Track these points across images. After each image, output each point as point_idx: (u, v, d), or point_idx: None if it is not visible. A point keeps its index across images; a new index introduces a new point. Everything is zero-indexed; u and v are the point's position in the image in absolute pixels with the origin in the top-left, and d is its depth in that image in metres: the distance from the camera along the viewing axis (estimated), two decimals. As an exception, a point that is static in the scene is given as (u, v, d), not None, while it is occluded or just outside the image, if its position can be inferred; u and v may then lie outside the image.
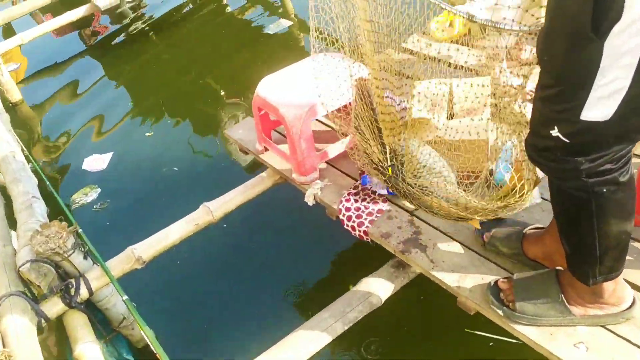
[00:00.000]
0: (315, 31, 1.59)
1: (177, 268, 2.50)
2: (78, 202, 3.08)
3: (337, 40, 1.63)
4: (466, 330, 1.94)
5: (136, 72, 4.38)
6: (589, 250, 1.23)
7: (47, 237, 1.84)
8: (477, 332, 1.91)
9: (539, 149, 1.15)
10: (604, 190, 1.12)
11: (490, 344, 1.90)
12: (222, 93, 3.80)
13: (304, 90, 2.03)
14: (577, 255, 1.30)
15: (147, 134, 3.58)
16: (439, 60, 1.91)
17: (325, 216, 2.08)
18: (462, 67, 2.23)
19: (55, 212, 2.65)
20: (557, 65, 1.02)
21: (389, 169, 1.59)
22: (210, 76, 4.02)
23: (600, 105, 0.99)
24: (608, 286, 1.33)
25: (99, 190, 3.14)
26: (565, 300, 1.40)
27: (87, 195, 3.13)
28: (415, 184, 1.54)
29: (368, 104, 1.62)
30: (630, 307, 1.39)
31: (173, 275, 2.48)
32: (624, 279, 1.39)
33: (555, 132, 1.06)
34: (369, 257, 2.06)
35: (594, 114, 1.00)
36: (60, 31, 4.64)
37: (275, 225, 2.59)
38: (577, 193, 1.15)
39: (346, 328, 1.68)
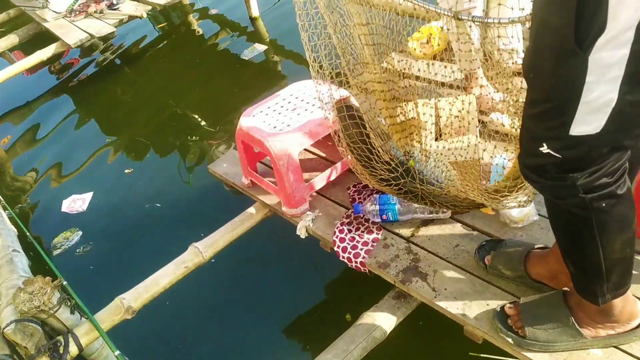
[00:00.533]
0: (314, 62, 1.54)
1: (166, 310, 2.40)
2: (60, 247, 2.97)
3: (321, 68, 1.58)
4: (470, 354, 1.89)
5: (110, 105, 4.29)
6: (594, 269, 1.20)
7: (30, 295, 1.75)
8: (482, 355, 1.87)
9: (532, 168, 1.12)
10: (603, 204, 1.09)
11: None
12: (200, 122, 3.74)
13: (289, 120, 1.98)
14: (582, 275, 1.27)
15: (126, 171, 3.49)
16: (423, 79, 1.88)
17: (319, 247, 2.03)
18: (444, 84, 2.21)
19: (37, 262, 2.55)
20: (543, 82, 1.00)
21: (405, 172, 1.54)
22: (186, 106, 3.96)
23: (590, 119, 0.97)
24: (617, 303, 1.29)
25: (80, 232, 3.04)
26: (576, 324, 1.36)
27: (68, 240, 3.02)
28: (437, 180, 1.50)
29: (358, 120, 1.58)
30: None
31: (163, 319, 2.38)
32: (633, 295, 1.36)
33: (545, 149, 1.04)
34: (366, 285, 2.00)
35: (584, 128, 0.98)
36: (32, 69, 4.54)
37: (267, 259, 2.52)
38: (576, 211, 1.12)
39: (351, 367, 1.62)
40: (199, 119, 3.76)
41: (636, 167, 1.28)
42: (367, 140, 1.61)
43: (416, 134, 1.55)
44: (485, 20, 1.18)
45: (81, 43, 3.97)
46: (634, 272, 1.47)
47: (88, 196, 3.30)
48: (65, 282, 1.88)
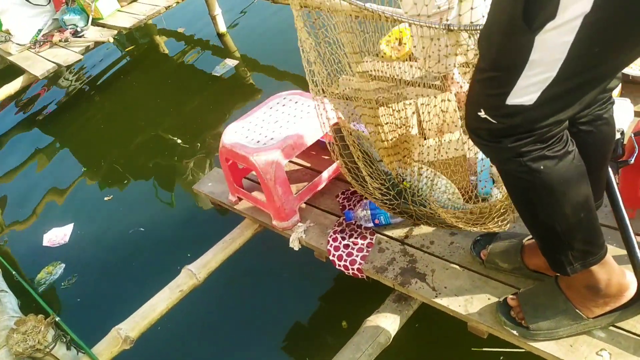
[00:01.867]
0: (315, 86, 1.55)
1: (160, 335, 2.35)
2: (44, 283, 2.90)
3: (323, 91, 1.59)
4: (473, 349, 1.90)
5: (83, 134, 4.22)
6: (553, 236, 1.23)
7: (24, 335, 1.70)
8: (484, 349, 1.88)
9: (472, 130, 1.17)
10: (542, 167, 1.13)
11: (501, 357, 1.86)
12: (177, 142, 3.70)
13: (272, 134, 1.97)
14: (546, 245, 1.30)
15: (105, 199, 3.43)
16: (402, 81, 1.88)
17: (312, 258, 2.01)
18: (420, 84, 2.22)
19: (25, 299, 2.49)
20: (492, 52, 1.05)
21: (397, 194, 1.55)
22: (162, 128, 3.92)
23: (526, 92, 1.03)
24: (600, 276, 1.29)
25: (63, 265, 2.97)
26: (573, 306, 1.37)
27: (52, 274, 2.95)
28: (429, 201, 1.50)
29: (354, 144, 1.58)
30: (638, 294, 1.35)
31: (158, 344, 2.32)
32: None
33: (483, 114, 1.10)
34: (363, 290, 2.00)
35: (520, 99, 1.04)
36: (1, 105, 4.46)
37: (259, 274, 2.49)
38: (519, 175, 1.16)
39: (359, 375, 1.61)
40: (176, 139, 3.72)
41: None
42: (359, 163, 1.61)
43: (408, 156, 1.55)
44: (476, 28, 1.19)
45: (48, 74, 3.90)
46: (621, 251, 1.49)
47: (69, 228, 3.24)
48: (58, 318, 1.84)
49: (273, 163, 1.89)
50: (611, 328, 1.40)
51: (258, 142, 1.96)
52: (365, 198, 1.98)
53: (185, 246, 2.74)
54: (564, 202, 1.18)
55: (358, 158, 1.61)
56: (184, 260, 2.30)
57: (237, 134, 2.03)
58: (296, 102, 2.11)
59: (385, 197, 1.58)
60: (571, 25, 0.91)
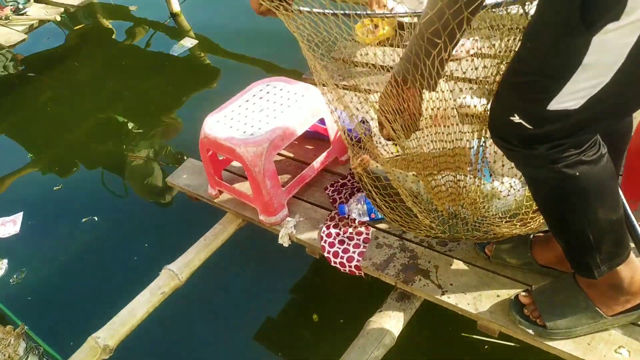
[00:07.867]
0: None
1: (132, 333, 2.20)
2: (-12, 282, 2.67)
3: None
4: (463, 334, 1.87)
5: (27, 119, 3.89)
6: (583, 240, 1.19)
7: (-9, 350, 1.53)
8: (473, 337, 1.85)
9: (500, 135, 1.10)
10: (577, 173, 1.08)
11: (486, 347, 1.84)
12: (134, 127, 3.48)
13: (258, 124, 1.85)
14: (573, 248, 1.26)
15: (55, 188, 3.19)
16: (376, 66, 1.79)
17: (304, 254, 1.91)
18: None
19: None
20: (539, 55, 0.97)
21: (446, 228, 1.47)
22: (115, 111, 3.67)
23: (573, 97, 0.96)
24: (624, 275, 1.27)
25: (5, 261, 2.74)
26: (594, 304, 1.35)
27: (-5, 272, 2.72)
28: (482, 223, 1.43)
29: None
30: None
31: (137, 342, 2.18)
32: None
33: (517, 119, 1.02)
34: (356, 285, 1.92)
35: (564, 105, 0.97)
36: None
37: (237, 267, 2.37)
38: (552, 182, 1.11)
39: (367, 379, 1.54)
40: (132, 124, 3.50)
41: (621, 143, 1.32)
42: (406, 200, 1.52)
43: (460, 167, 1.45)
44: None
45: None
46: None
47: (19, 217, 3.00)
48: (26, 327, 1.67)
49: (262, 155, 1.76)
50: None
51: (245, 132, 1.83)
52: (357, 190, 1.90)
53: (142, 234, 2.61)
54: (597, 207, 1.13)
55: (404, 195, 1.51)
56: (141, 250, 2.12)
57: (219, 123, 1.89)
58: (281, 89, 1.99)
59: (434, 232, 1.50)
60: (635, 26, 0.84)
